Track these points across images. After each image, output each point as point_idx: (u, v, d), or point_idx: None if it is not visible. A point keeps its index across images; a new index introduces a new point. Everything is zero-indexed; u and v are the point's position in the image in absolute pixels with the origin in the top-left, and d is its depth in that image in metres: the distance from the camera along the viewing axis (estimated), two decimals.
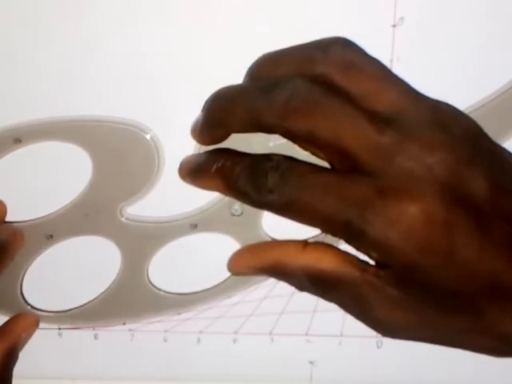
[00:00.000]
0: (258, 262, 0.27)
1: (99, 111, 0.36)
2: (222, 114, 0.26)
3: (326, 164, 0.25)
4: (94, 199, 0.37)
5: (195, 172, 0.28)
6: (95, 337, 0.41)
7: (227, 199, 0.35)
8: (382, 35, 0.36)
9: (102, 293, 0.39)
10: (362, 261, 0.24)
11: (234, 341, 0.42)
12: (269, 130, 0.25)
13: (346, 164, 0.24)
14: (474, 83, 0.37)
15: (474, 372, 0.42)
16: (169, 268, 0.39)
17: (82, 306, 0.40)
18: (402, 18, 0.36)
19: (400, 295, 0.24)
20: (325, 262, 0.25)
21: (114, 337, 0.41)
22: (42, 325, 0.39)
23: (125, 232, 0.38)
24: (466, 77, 0.37)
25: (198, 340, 0.41)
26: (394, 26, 0.36)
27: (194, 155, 0.29)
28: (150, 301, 0.40)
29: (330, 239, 0.25)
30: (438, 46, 0.37)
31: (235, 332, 0.41)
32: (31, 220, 0.38)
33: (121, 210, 0.38)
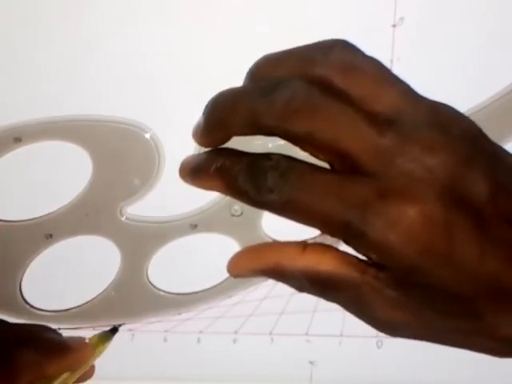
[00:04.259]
0: (257, 264, 0.27)
1: (99, 111, 0.36)
2: (222, 115, 0.26)
3: (325, 166, 0.25)
4: (93, 199, 0.37)
5: (195, 172, 0.28)
6: None
7: (227, 199, 0.35)
8: (382, 35, 0.36)
9: (102, 292, 0.39)
10: (362, 261, 0.24)
11: (234, 341, 0.42)
12: (268, 131, 0.24)
13: (345, 165, 0.24)
14: (475, 84, 0.37)
15: (474, 372, 0.42)
16: (169, 268, 0.39)
17: (81, 305, 0.40)
18: (401, 18, 0.36)
19: (400, 297, 0.24)
20: (324, 264, 0.25)
21: (114, 337, 0.41)
22: None
23: (125, 232, 0.38)
24: (467, 77, 0.37)
25: (198, 340, 0.41)
26: (394, 25, 0.36)
27: (194, 155, 0.29)
28: (149, 301, 0.40)
29: (329, 240, 0.25)
30: (438, 45, 0.36)
31: (235, 332, 0.41)
32: (31, 219, 0.38)
33: (121, 210, 0.38)
